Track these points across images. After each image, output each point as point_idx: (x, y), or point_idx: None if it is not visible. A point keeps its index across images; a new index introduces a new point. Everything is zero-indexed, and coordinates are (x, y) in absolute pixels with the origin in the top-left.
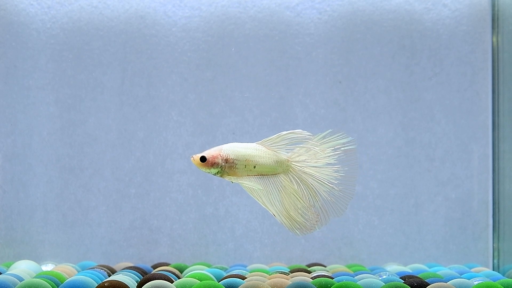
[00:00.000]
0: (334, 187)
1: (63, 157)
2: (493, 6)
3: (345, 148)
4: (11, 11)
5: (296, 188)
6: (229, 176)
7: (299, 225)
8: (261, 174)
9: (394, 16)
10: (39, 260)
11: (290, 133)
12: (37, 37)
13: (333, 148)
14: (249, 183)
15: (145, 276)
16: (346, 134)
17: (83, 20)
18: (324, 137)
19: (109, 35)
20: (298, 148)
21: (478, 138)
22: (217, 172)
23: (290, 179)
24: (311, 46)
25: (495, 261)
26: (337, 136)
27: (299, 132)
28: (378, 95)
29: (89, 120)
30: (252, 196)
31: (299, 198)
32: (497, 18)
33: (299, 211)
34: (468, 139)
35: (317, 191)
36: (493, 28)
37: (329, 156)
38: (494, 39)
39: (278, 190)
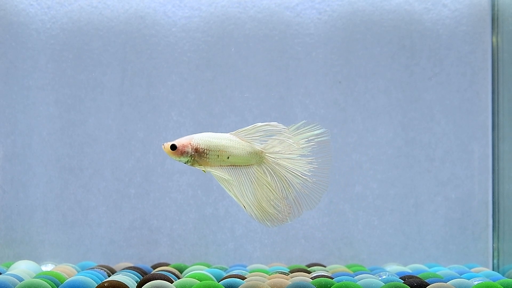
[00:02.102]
0: (307, 179)
1: (63, 157)
2: (493, 6)
3: (319, 139)
4: (11, 11)
5: (269, 179)
6: (199, 166)
7: (270, 216)
8: (235, 165)
9: (394, 16)
10: (39, 260)
11: (266, 125)
12: (37, 37)
13: (306, 139)
14: (220, 174)
15: (145, 276)
16: (320, 125)
17: (83, 20)
18: (298, 128)
19: (109, 35)
20: (272, 139)
21: (478, 138)
22: (187, 161)
23: (263, 171)
24: (311, 46)
25: (495, 261)
26: (311, 127)
27: (275, 125)
28: (378, 95)
29: (89, 120)
30: (223, 186)
31: (272, 190)
32: (497, 18)
33: (272, 203)
34: (468, 139)
35: (291, 183)
36: (493, 28)
37: (303, 148)
38: (494, 39)
39: (251, 181)
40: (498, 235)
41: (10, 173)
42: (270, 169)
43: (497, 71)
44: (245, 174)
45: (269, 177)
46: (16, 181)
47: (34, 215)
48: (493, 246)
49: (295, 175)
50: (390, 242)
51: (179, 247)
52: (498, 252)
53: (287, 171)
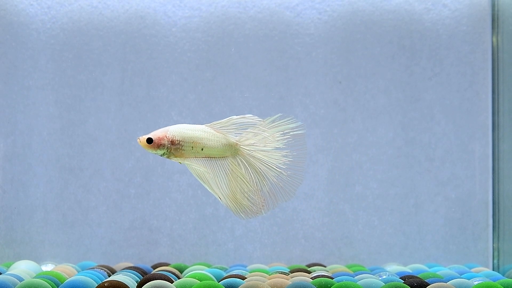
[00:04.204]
0: (282, 171)
1: (63, 157)
2: (493, 6)
3: (294, 132)
4: (11, 11)
5: (244, 172)
6: (175, 158)
7: (245, 208)
8: (209, 157)
9: (394, 16)
10: (39, 260)
11: (241, 117)
12: (37, 37)
13: (282, 132)
14: (195, 165)
15: (145, 276)
16: (295, 119)
17: (83, 20)
18: (273, 121)
19: (109, 35)
20: (247, 132)
21: (478, 138)
22: (163, 154)
23: (238, 163)
24: (311, 46)
25: (495, 261)
26: (286, 121)
27: (250, 117)
28: (378, 95)
29: (89, 120)
30: (198, 178)
31: (246, 182)
32: (497, 18)
33: (246, 195)
34: (468, 139)
35: (265, 175)
36: (493, 28)
37: (278, 141)
38: (494, 39)
39: (226, 173)
40: (498, 235)
41: (10, 173)
42: (245, 161)
43: (497, 71)
44: (220, 166)
45: (243, 169)
46: (16, 181)
47: (34, 215)
48: (493, 246)
49: (270, 167)
50: (390, 242)
51: (179, 247)
52: (498, 252)
53: (261, 164)
